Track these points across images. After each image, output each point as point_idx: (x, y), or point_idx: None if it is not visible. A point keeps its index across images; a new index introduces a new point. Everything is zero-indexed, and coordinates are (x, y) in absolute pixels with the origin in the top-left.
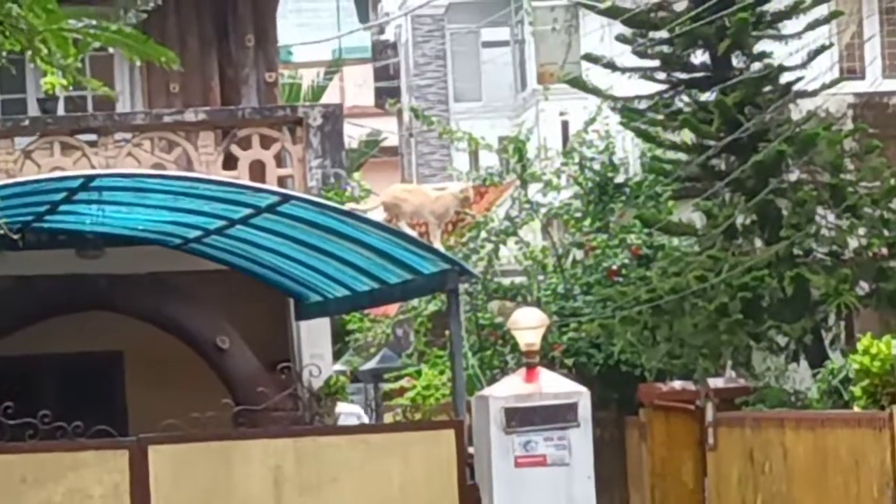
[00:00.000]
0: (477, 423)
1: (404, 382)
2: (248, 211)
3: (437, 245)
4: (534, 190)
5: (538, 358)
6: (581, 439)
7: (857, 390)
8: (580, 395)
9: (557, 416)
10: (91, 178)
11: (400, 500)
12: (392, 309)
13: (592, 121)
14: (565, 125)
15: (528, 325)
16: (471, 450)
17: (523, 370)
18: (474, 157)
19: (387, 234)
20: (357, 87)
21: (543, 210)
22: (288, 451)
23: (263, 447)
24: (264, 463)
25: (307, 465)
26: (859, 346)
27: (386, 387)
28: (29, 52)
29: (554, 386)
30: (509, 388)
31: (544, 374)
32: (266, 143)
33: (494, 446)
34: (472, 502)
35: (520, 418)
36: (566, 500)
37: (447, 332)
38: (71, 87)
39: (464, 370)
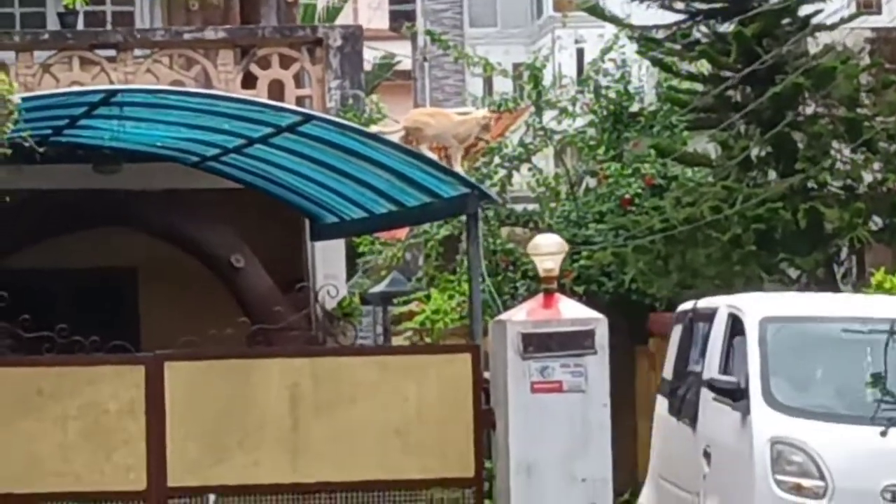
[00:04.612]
0: (494, 348)
1: (413, 306)
2: (267, 130)
3: (458, 169)
4: (548, 117)
5: (556, 284)
6: (598, 366)
7: None
8: (598, 322)
9: (574, 342)
10: (113, 92)
11: (416, 423)
12: (401, 233)
13: (609, 49)
14: (581, 53)
15: (548, 251)
16: (487, 374)
17: (541, 296)
18: (488, 82)
19: (407, 157)
20: (371, 9)
21: (557, 137)
22: (305, 370)
23: (280, 366)
24: (281, 382)
25: (324, 385)
26: (872, 281)
27: (395, 310)
28: None
29: (572, 312)
30: (527, 314)
31: (562, 300)
32: (285, 62)
33: (511, 371)
34: (487, 426)
35: (537, 344)
36: (581, 426)
37: (458, 257)
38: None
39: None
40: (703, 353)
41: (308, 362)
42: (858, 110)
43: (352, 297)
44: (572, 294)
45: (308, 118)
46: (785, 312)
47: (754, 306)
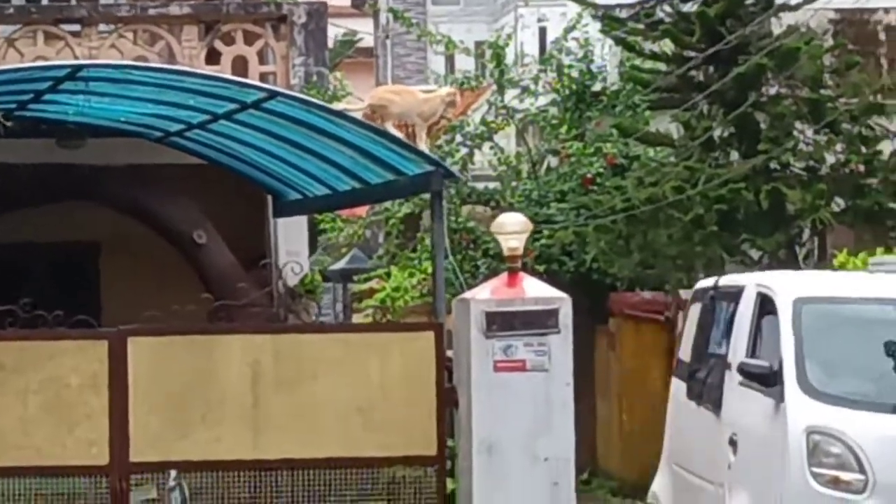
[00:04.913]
0: (457, 327)
1: (373, 284)
2: (232, 106)
3: (423, 147)
4: (510, 95)
5: (520, 263)
6: (561, 345)
7: None
8: (562, 301)
9: (538, 321)
10: (78, 67)
11: (378, 400)
12: (362, 210)
13: (572, 28)
14: (543, 31)
15: (513, 230)
16: (450, 353)
17: (505, 274)
18: (450, 60)
19: (372, 134)
20: None
21: (519, 116)
22: (267, 346)
23: (243, 342)
24: (243, 358)
25: (286, 362)
26: (835, 262)
27: (355, 287)
28: None
29: (536, 291)
30: (491, 293)
31: (526, 279)
32: (249, 39)
33: (474, 350)
34: (449, 405)
35: (500, 323)
36: (545, 405)
37: (418, 235)
38: None
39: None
40: (727, 335)
41: (270, 339)
42: (822, 91)
43: (314, 274)
44: (533, 273)
45: (273, 94)
46: (820, 292)
47: (786, 285)
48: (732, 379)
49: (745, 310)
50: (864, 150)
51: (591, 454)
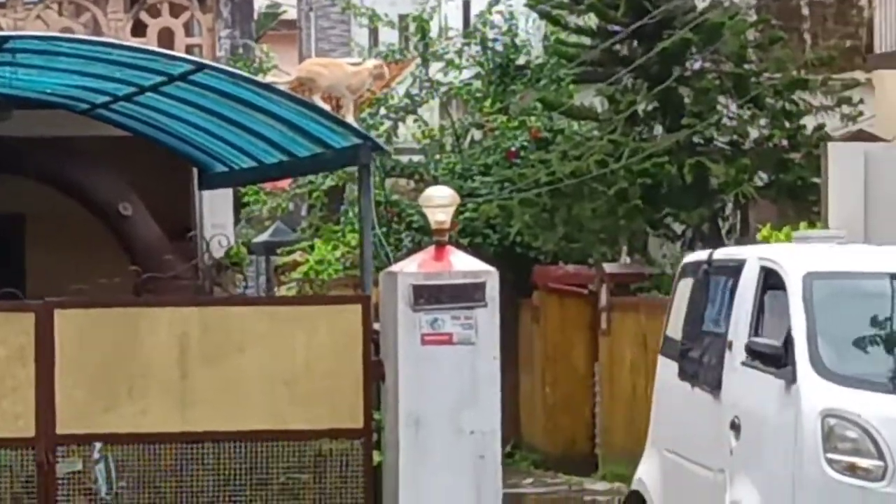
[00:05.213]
0: (384, 300)
1: (297, 256)
2: (159, 78)
3: (351, 120)
4: (434, 69)
5: (447, 236)
6: (488, 319)
7: None
8: (489, 274)
9: (465, 294)
10: (5, 39)
11: (304, 373)
12: (285, 183)
13: (497, 2)
14: (467, 5)
15: (440, 203)
16: (377, 326)
17: (432, 248)
18: (374, 33)
19: (300, 107)
20: None
21: (443, 89)
22: (194, 319)
23: (170, 315)
24: (170, 331)
25: (213, 334)
26: (758, 236)
27: (279, 260)
28: None
29: (463, 265)
30: (418, 266)
31: (454, 252)
32: (175, 11)
33: (401, 323)
34: (376, 378)
35: (427, 296)
36: (471, 379)
37: (343, 208)
38: None
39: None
40: (725, 312)
41: (197, 311)
42: (745, 66)
43: (239, 247)
44: (458, 246)
45: (200, 67)
46: (831, 267)
47: (794, 260)
48: (734, 358)
49: (747, 286)
50: (787, 124)
51: (515, 427)
